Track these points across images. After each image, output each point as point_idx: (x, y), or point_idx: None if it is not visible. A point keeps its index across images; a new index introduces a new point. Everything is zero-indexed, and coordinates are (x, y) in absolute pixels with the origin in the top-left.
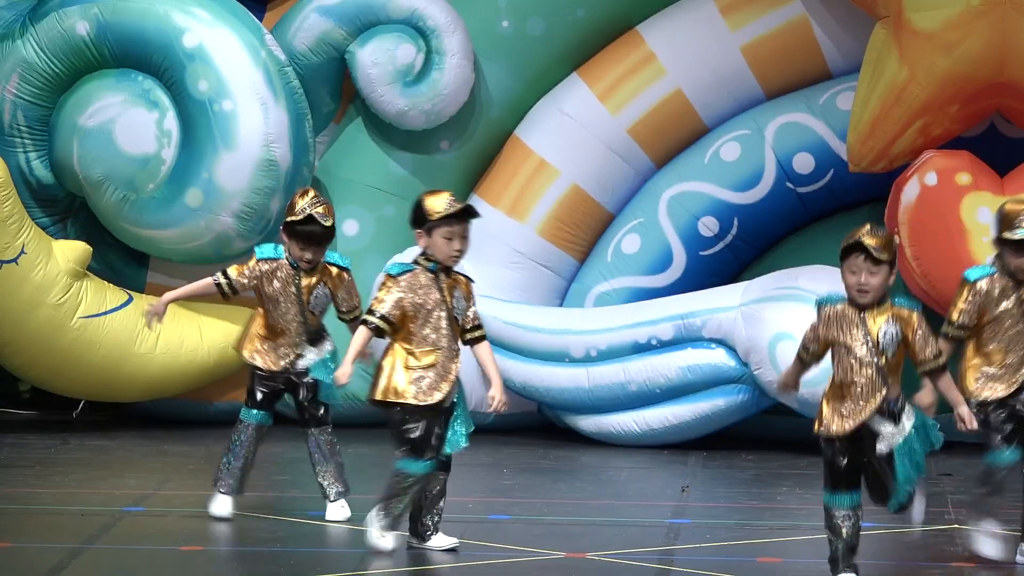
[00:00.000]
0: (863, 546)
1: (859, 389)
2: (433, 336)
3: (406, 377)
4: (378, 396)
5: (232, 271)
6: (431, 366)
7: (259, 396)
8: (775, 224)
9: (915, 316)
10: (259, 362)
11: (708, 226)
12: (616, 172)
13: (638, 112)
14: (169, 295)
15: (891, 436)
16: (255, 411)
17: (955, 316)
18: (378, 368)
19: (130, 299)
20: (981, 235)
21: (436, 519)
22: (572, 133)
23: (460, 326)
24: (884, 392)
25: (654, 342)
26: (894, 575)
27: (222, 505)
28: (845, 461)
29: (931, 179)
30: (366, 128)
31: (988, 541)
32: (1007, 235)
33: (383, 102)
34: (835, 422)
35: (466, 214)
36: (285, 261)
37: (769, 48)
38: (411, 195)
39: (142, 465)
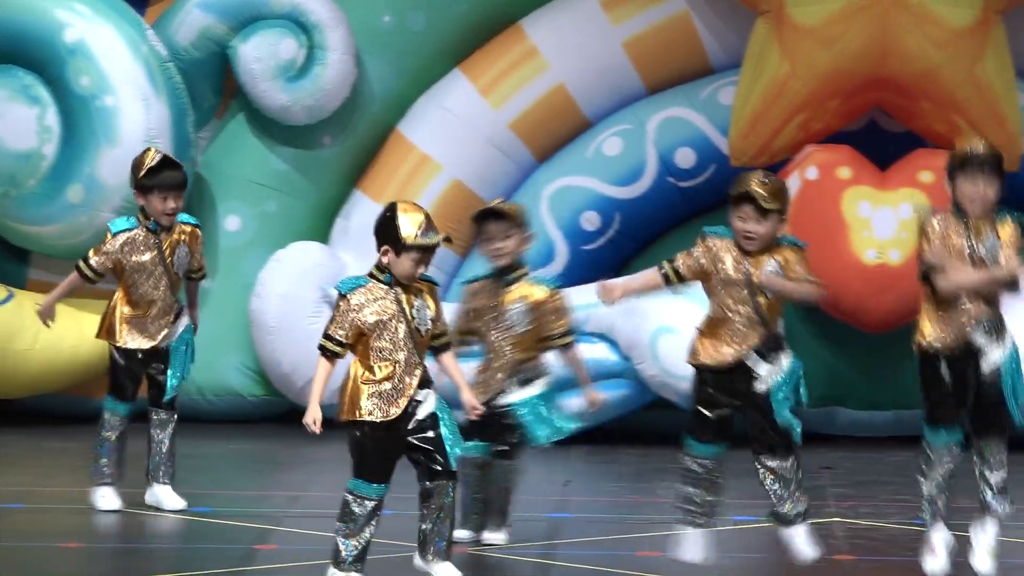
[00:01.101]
0: (744, 540)
1: (736, 326)
2: (389, 348)
3: (364, 393)
4: (345, 415)
5: (90, 254)
6: (387, 379)
7: (126, 385)
8: (657, 219)
9: (795, 254)
10: (133, 343)
11: (590, 221)
12: (498, 167)
13: (520, 107)
14: (51, 298)
15: (768, 375)
16: (123, 404)
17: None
18: (343, 386)
19: (11, 295)
20: (862, 229)
21: (439, 544)
22: (454, 128)
23: (424, 337)
24: (762, 330)
25: None
26: (775, 569)
27: (109, 499)
28: (714, 408)
29: (812, 173)
30: (248, 123)
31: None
32: (956, 151)
33: (265, 97)
34: (710, 355)
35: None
36: (141, 229)
37: (651, 43)
38: (293, 190)
39: (21, 461)
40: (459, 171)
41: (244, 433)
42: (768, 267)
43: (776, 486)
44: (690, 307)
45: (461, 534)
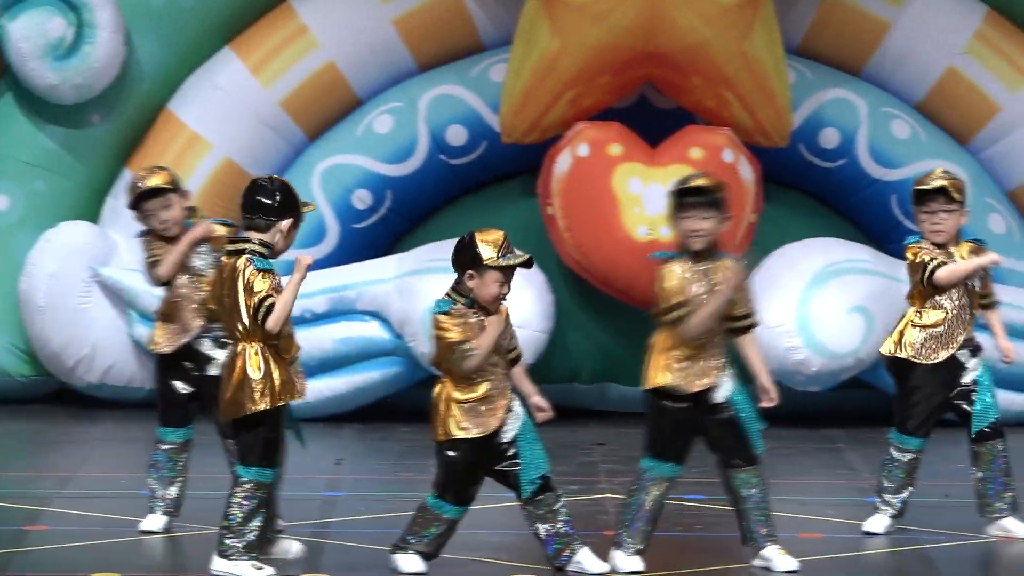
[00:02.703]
0: (507, 519)
1: (495, 387)
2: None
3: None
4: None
5: None
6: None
7: None
8: (428, 196)
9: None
10: None
11: (362, 199)
12: (269, 145)
13: (291, 85)
14: None
15: (514, 420)
16: None
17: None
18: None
19: None
20: (633, 206)
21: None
22: (224, 106)
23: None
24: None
25: (308, 315)
26: (535, 544)
27: None
28: (474, 465)
29: (583, 150)
30: (16, 102)
31: None
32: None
33: (34, 76)
34: (478, 426)
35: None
36: None
37: (421, 20)
38: (63, 169)
39: None
40: (230, 149)
41: (13, 413)
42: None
43: (552, 528)
44: None
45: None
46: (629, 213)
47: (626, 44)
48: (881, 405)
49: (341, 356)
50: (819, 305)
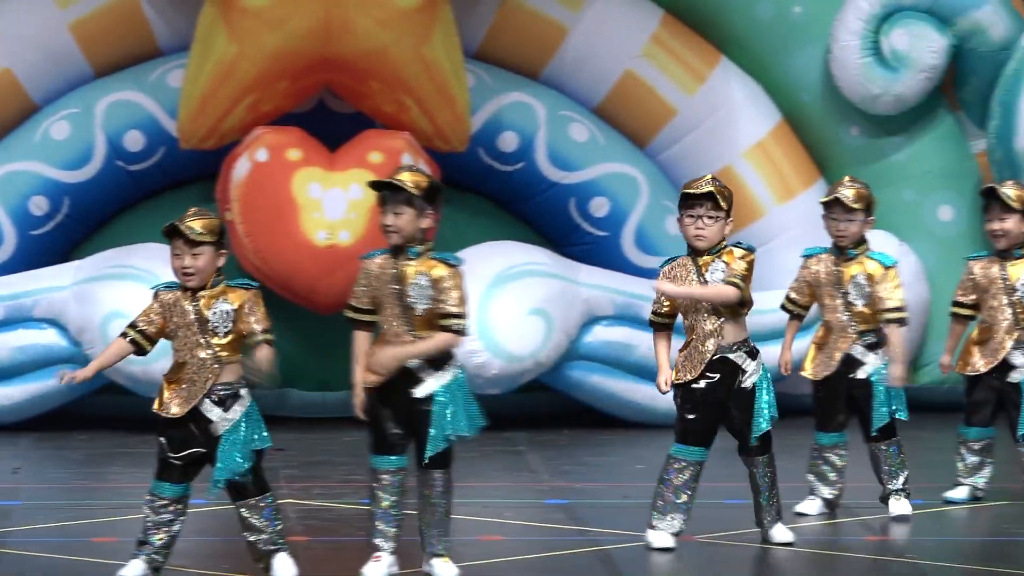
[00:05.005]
0: (209, 524)
1: (194, 371)
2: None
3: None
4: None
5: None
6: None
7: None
8: (106, 202)
9: (248, 294)
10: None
11: (38, 205)
12: None
13: None
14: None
15: (220, 422)
16: None
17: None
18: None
19: None
20: (312, 211)
21: None
22: None
23: None
24: (217, 375)
25: None
26: (236, 549)
27: None
28: (178, 445)
29: (262, 155)
30: None
31: None
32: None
33: None
34: (175, 403)
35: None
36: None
37: (97, 25)
38: None
39: None
40: None
41: None
42: (216, 308)
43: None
44: (139, 291)
45: None
46: (309, 218)
47: (304, 49)
48: (561, 407)
49: (17, 364)
50: (498, 308)
